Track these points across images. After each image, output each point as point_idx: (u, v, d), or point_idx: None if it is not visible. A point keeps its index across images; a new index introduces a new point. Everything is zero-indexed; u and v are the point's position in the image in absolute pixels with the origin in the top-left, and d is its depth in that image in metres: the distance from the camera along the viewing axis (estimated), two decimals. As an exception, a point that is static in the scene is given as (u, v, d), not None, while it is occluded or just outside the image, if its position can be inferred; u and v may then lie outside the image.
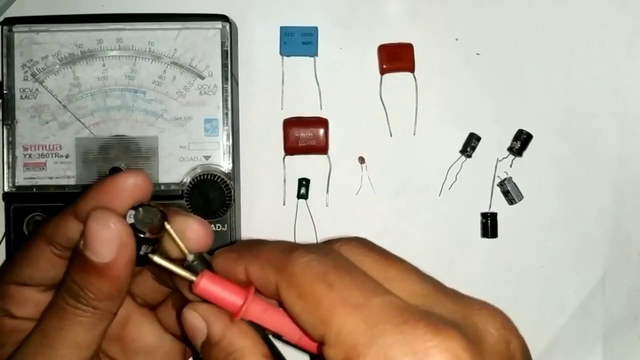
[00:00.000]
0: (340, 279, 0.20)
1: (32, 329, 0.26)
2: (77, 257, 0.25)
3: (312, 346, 0.22)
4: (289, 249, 0.22)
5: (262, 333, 0.24)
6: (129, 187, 0.25)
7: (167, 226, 0.25)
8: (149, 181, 0.25)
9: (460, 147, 0.45)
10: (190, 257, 0.25)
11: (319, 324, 0.20)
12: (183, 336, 0.28)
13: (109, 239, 0.24)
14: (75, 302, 0.25)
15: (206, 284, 0.23)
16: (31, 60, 0.41)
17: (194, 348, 0.25)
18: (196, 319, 0.24)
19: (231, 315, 0.23)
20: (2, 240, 0.42)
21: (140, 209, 0.25)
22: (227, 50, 0.41)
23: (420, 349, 0.18)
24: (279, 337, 0.24)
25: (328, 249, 0.22)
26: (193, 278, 0.24)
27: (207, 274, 0.24)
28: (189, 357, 0.32)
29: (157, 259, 0.24)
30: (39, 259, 0.27)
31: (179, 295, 0.26)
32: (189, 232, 0.25)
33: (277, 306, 0.23)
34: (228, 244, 0.25)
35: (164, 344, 0.29)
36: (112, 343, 0.29)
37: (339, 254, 0.22)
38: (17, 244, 0.40)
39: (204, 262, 0.25)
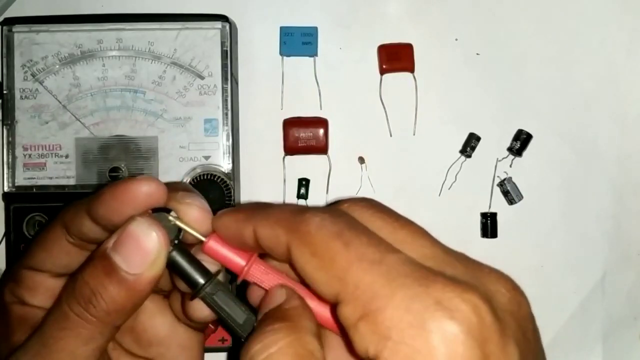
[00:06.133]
0: (357, 237, 0.20)
1: (32, 333, 0.25)
2: (99, 259, 0.24)
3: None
4: (300, 210, 0.22)
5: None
6: (144, 193, 0.24)
7: (180, 224, 0.25)
8: (164, 187, 0.25)
9: (460, 147, 0.45)
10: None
11: (334, 282, 0.20)
12: (198, 325, 0.28)
13: (148, 251, 0.23)
14: (80, 310, 0.24)
15: (213, 244, 0.24)
16: (31, 61, 0.41)
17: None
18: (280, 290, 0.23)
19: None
20: (2, 240, 0.42)
21: (161, 215, 0.24)
22: (227, 50, 0.41)
23: (443, 298, 0.18)
24: None
25: (340, 210, 0.22)
26: (203, 238, 0.24)
27: (214, 236, 0.24)
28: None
29: (174, 220, 0.24)
30: (53, 244, 0.26)
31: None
32: (188, 219, 0.25)
33: (279, 272, 0.24)
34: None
35: (178, 335, 0.28)
36: (125, 334, 0.28)
37: (351, 216, 0.22)
38: (17, 243, 0.40)
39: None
